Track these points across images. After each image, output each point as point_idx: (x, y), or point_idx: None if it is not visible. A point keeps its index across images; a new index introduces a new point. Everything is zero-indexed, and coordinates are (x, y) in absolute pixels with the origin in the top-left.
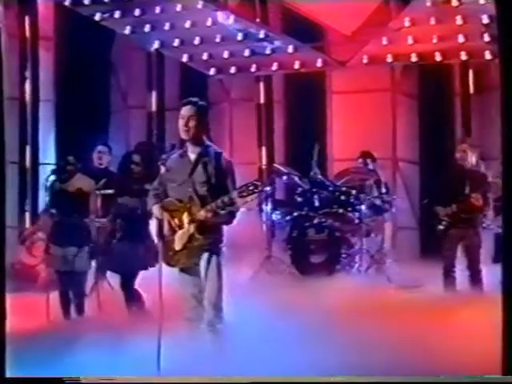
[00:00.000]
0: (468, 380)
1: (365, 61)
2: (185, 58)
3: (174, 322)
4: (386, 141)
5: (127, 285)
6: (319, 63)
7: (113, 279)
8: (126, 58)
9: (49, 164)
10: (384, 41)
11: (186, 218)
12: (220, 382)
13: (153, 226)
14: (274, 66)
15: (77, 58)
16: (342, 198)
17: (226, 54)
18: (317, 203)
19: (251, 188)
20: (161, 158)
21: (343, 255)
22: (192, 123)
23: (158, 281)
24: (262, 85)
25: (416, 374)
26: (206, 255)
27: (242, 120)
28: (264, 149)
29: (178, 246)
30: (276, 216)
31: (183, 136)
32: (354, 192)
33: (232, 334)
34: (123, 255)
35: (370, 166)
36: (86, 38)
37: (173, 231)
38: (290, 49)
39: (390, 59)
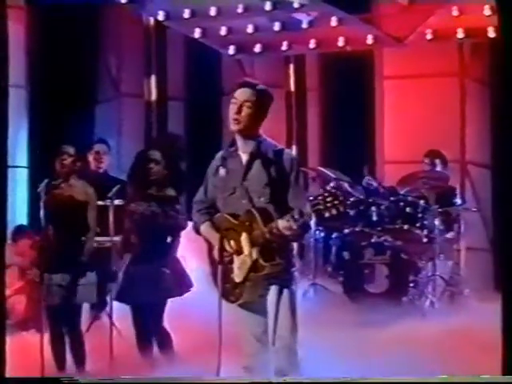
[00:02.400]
0: (468, 380)
1: (428, 36)
2: (197, 34)
3: (227, 372)
4: (453, 139)
5: (146, 321)
6: (369, 40)
7: (119, 315)
8: (118, 34)
9: (19, 167)
10: (455, 11)
11: (244, 239)
12: (221, 382)
13: (201, 248)
14: (312, 44)
15: (55, 31)
16: (408, 210)
17: (249, 29)
18: (375, 217)
19: (330, 199)
20: (216, 158)
21: (411, 283)
22: (246, 111)
23: (218, 322)
24: (292, 68)
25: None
26: (275, 287)
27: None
28: (295, 148)
29: (238, 277)
30: (321, 233)
31: (232, 127)
32: (422, 203)
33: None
34: (140, 282)
35: (439, 169)
36: (67, 8)
37: (230, 257)
38: (333, 21)
39: (460, 35)
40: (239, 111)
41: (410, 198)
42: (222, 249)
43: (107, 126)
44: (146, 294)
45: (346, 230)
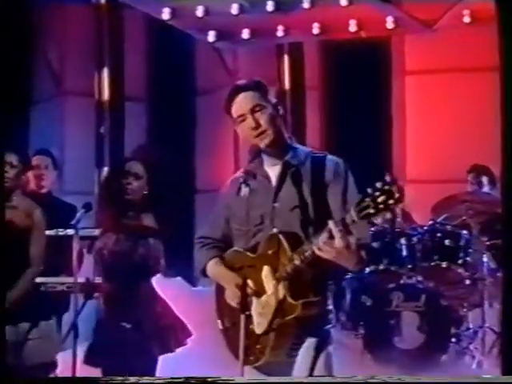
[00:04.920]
0: (468, 380)
1: (466, 19)
2: (165, 15)
3: None
4: (494, 150)
5: None
6: (389, 23)
7: None
8: (60, 18)
9: None
10: None
11: (267, 273)
12: (222, 382)
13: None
14: (315, 29)
15: None
16: (447, 242)
17: (234, 9)
18: (404, 252)
19: (382, 199)
20: (240, 176)
21: (452, 338)
22: (264, 117)
23: None
24: (286, 59)
25: None
26: (309, 342)
27: None
28: None
29: (259, 327)
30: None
31: (261, 144)
32: (465, 233)
33: None
34: (115, 340)
35: (486, 189)
36: None
37: (248, 304)
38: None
39: None
40: (256, 123)
41: (449, 228)
42: (244, 291)
43: (46, 133)
44: (124, 355)
45: (367, 269)
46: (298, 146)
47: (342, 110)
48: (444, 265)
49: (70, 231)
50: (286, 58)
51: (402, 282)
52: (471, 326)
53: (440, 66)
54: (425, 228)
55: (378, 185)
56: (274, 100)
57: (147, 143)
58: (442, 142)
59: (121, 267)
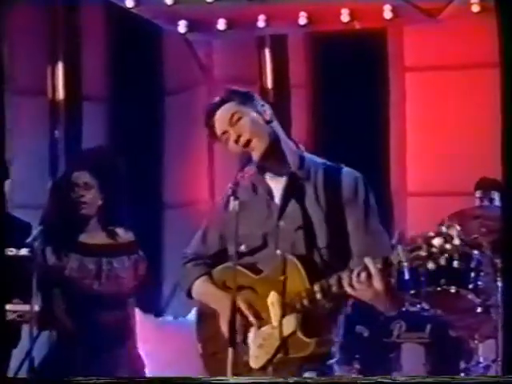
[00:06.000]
0: (468, 380)
1: (475, 8)
2: (129, 2)
3: None
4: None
5: None
6: (387, 13)
7: None
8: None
9: None
10: None
11: (275, 301)
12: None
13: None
14: (302, 19)
15: None
16: (456, 264)
17: None
18: (407, 275)
19: (439, 242)
20: (229, 187)
21: (461, 373)
22: (244, 125)
23: None
24: (268, 55)
25: None
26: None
27: None
28: None
29: (256, 362)
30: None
31: (253, 156)
32: (476, 254)
33: None
34: None
35: (497, 204)
36: None
37: (243, 330)
38: None
39: None
40: (237, 133)
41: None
42: (233, 316)
43: None
44: None
45: None
46: (306, 154)
47: (332, 111)
48: (452, 290)
49: (24, 251)
50: (267, 52)
51: (403, 309)
52: (482, 359)
53: (444, 62)
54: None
55: (443, 228)
56: (258, 104)
57: (91, 147)
58: (447, 149)
59: (87, 295)
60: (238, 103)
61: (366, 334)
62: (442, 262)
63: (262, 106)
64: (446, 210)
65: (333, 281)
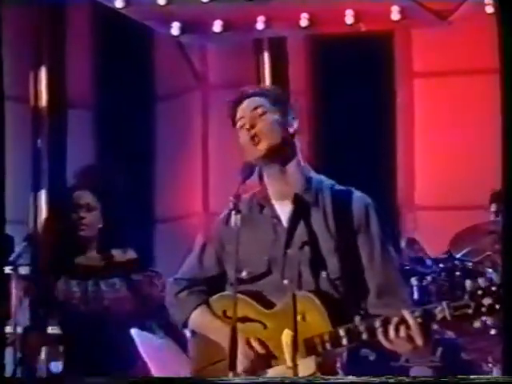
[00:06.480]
0: (468, 380)
1: (489, 9)
2: (119, 2)
3: None
4: None
5: None
6: (395, 14)
7: None
8: None
9: None
10: None
11: (288, 340)
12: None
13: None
14: (303, 21)
15: None
16: (468, 284)
17: None
18: (416, 295)
19: (487, 302)
20: (230, 201)
21: None
22: (263, 122)
23: None
24: (266, 59)
25: None
26: None
27: (227, 126)
28: None
29: None
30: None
31: (254, 153)
32: (491, 272)
33: None
34: None
35: None
36: None
37: (249, 368)
38: None
39: None
40: (252, 123)
41: (470, 265)
42: (233, 347)
43: None
44: None
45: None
46: (313, 174)
47: (335, 120)
48: (470, 311)
49: (7, 269)
50: (266, 56)
51: None
52: None
53: (456, 67)
54: (440, 265)
55: (482, 283)
56: (289, 112)
57: (94, 164)
58: (458, 159)
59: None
60: (268, 100)
61: (371, 358)
62: (489, 321)
63: (293, 118)
64: (456, 225)
65: (362, 328)
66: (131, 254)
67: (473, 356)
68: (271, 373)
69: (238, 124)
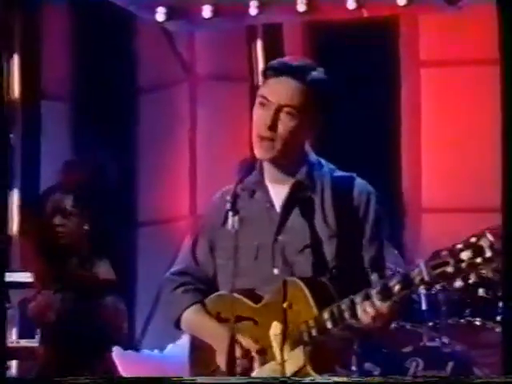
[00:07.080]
0: (468, 380)
1: None
2: None
3: None
4: None
5: None
6: None
7: None
8: None
9: None
10: None
11: (277, 333)
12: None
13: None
14: (300, 6)
15: None
16: (481, 293)
17: None
18: (424, 305)
19: (468, 255)
20: (227, 201)
21: None
22: (286, 122)
23: None
24: (260, 46)
25: None
26: None
27: (220, 120)
28: None
29: None
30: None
31: (258, 153)
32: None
33: None
34: None
35: None
36: None
37: (243, 366)
38: None
39: None
40: (273, 123)
41: (483, 273)
42: (231, 349)
43: None
44: None
45: None
46: (314, 159)
47: (335, 113)
48: (477, 322)
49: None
50: (259, 44)
51: (421, 344)
52: None
53: (466, 56)
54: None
55: (473, 239)
56: (318, 115)
57: (75, 163)
58: (467, 157)
59: (68, 335)
60: (304, 91)
61: (376, 373)
62: (473, 279)
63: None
64: (466, 229)
65: (344, 306)
66: (111, 274)
67: (486, 371)
68: (263, 369)
69: (261, 100)
